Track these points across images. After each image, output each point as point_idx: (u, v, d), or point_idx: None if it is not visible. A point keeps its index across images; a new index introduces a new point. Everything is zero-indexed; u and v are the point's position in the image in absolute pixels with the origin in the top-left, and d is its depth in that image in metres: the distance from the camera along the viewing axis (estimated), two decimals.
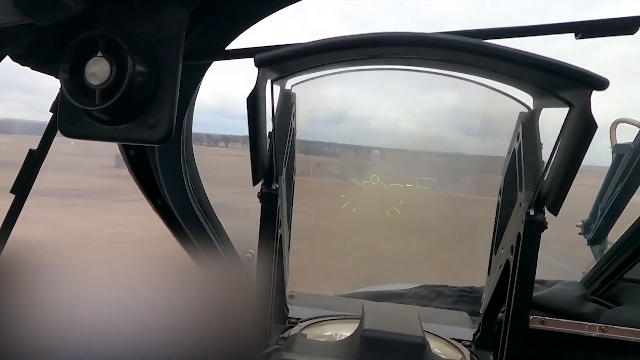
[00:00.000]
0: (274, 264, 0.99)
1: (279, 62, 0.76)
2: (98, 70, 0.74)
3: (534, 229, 0.92)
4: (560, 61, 0.71)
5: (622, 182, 1.59)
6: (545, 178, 0.93)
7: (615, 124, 1.65)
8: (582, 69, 0.70)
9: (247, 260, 1.75)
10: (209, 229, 1.52)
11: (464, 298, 1.72)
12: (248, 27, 0.97)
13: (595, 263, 1.80)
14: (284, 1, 0.93)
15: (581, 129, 0.78)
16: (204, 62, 1.00)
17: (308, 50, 0.73)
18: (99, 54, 0.74)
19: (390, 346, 0.95)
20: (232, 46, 1.00)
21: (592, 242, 1.86)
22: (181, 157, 1.27)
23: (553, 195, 0.89)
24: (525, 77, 0.83)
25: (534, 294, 1.65)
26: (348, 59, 0.81)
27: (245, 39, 1.01)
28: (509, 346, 1.00)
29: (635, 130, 1.56)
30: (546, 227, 0.93)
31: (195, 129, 1.32)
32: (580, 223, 1.95)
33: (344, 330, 1.11)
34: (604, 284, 1.76)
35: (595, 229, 1.81)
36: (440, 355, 1.09)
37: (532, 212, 0.92)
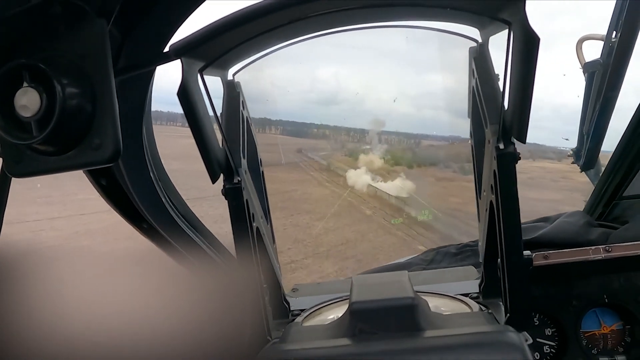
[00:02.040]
0: (256, 259, 0.96)
1: (194, 47, 0.73)
2: (27, 101, 0.71)
3: (507, 161, 0.90)
4: None
5: (599, 100, 1.56)
6: (506, 108, 0.90)
7: (580, 42, 1.62)
8: None
9: None
10: (200, 241, 1.49)
11: (469, 252, 1.70)
12: (180, 25, 0.94)
13: (594, 188, 1.78)
14: None
15: (525, 45, 0.75)
16: (146, 70, 0.97)
17: (219, 27, 0.69)
18: (25, 84, 0.71)
19: (381, 313, 0.92)
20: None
21: (584, 168, 1.83)
22: (151, 175, 1.24)
23: (516, 123, 0.86)
24: (462, 5, 0.80)
25: (539, 233, 1.63)
26: (268, 29, 0.77)
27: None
28: (510, 287, 0.98)
29: (601, 45, 1.53)
30: (519, 158, 0.90)
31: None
32: (571, 152, 1.92)
33: (341, 312, 1.09)
34: (606, 206, 1.74)
35: (584, 154, 1.78)
36: (443, 312, 1.07)
37: (501, 146, 0.89)
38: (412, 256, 1.93)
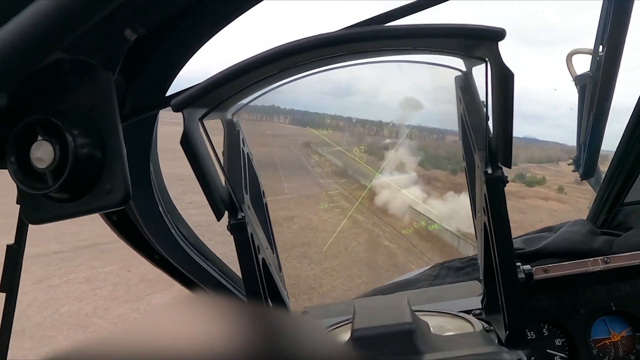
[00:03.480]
0: (263, 289, 0.99)
1: (195, 101, 0.78)
2: (42, 153, 0.75)
3: (496, 185, 0.93)
4: (455, 25, 0.73)
5: (593, 110, 1.59)
6: (491, 135, 0.94)
7: (569, 56, 1.66)
8: (480, 26, 0.72)
9: None
10: (212, 270, 1.53)
11: (474, 266, 1.72)
12: (180, 69, 0.99)
13: (595, 196, 1.80)
14: (205, 37, 0.95)
15: (501, 80, 0.79)
16: (150, 114, 1.02)
17: (216, 83, 0.74)
18: (39, 137, 0.76)
19: (382, 340, 0.96)
20: (172, 90, 1.02)
21: (584, 177, 1.86)
22: (159, 208, 1.29)
23: (502, 150, 0.90)
24: (441, 46, 0.85)
25: (543, 243, 1.65)
26: (262, 78, 0.82)
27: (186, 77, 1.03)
28: (507, 305, 1.00)
29: (589, 58, 1.57)
30: (507, 182, 0.94)
31: None
32: (571, 161, 1.95)
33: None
34: (609, 213, 1.76)
35: (583, 163, 1.81)
36: (448, 333, 1.10)
37: (489, 171, 0.93)
38: (419, 270, 1.95)
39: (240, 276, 1.44)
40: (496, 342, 1.05)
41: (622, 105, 1.68)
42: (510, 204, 1.02)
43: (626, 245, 1.52)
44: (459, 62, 0.98)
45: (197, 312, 0.31)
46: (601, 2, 1.47)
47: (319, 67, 0.85)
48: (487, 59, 0.81)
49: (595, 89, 1.54)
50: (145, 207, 1.27)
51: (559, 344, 1.47)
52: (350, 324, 1.22)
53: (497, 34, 0.71)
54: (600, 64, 1.48)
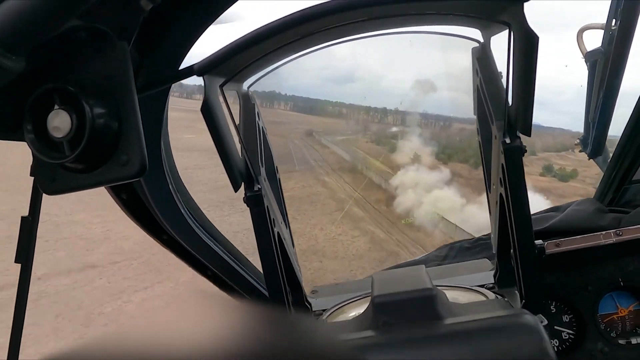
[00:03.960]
0: (279, 262, 0.99)
1: (217, 65, 0.77)
2: (59, 122, 0.75)
3: (514, 155, 0.93)
4: None
5: (603, 87, 1.58)
6: (510, 104, 0.93)
7: (580, 32, 1.64)
8: None
9: None
10: (219, 250, 1.53)
11: (482, 246, 1.73)
12: (194, 42, 0.98)
13: (603, 174, 1.80)
14: (220, 9, 0.94)
15: (525, 44, 0.78)
16: (164, 87, 1.01)
17: (242, 44, 0.73)
18: (56, 106, 0.75)
19: (402, 305, 0.96)
20: (185, 63, 1.01)
21: (592, 155, 1.85)
22: (170, 187, 1.28)
23: (521, 118, 0.89)
24: (461, 10, 0.84)
25: (551, 222, 1.65)
26: (285, 44, 0.81)
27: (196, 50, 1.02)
28: (524, 275, 1.01)
29: (601, 33, 1.55)
30: (525, 151, 0.93)
31: None
32: (578, 141, 1.94)
33: (363, 309, 1.12)
34: (617, 192, 1.76)
35: (591, 142, 1.80)
36: (459, 302, 1.10)
37: (508, 140, 0.93)
38: (426, 254, 1.96)
39: (243, 256, 1.44)
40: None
41: (631, 89, 1.67)
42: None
43: (635, 222, 1.52)
44: (475, 34, 0.97)
45: (199, 311, 0.31)
46: None
47: (338, 38, 0.84)
48: (510, 24, 0.80)
49: (607, 65, 1.53)
50: (156, 185, 1.26)
51: (567, 321, 1.48)
52: (362, 299, 1.23)
53: None
54: (613, 39, 1.46)
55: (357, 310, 1.12)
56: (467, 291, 1.22)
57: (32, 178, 0.94)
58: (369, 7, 0.72)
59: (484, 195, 1.27)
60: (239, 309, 0.32)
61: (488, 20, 0.84)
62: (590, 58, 1.60)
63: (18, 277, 0.93)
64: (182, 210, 1.37)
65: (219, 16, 0.97)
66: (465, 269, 1.49)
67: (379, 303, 0.97)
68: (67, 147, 0.75)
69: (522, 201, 0.96)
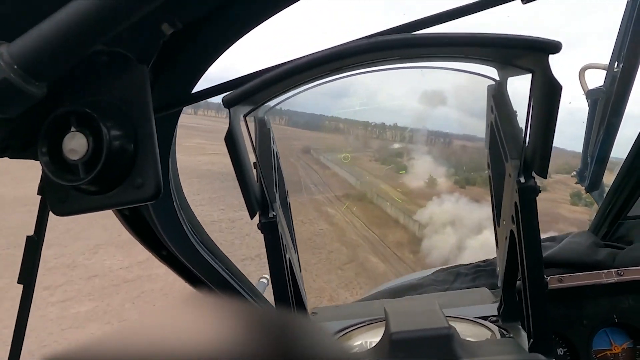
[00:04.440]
0: (289, 288, 0.99)
1: (247, 98, 0.78)
2: (76, 145, 0.74)
3: (529, 195, 0.94)
4: (511, 35, 0.73)
5: (603, 125, 1.62)
6: (526, 144, 0.95)
7: (582, 71, 1.68)
8: (534, 37, 0.72)
9: (263, 286, 1.76)
10: (219, 267, 1.52)
11: (480, 273, 1.73)
12: (208, 67, 0.98)
13: (598, 208, 1.83)
14: (236, 35, 0.95)
15: (548, 92, 0.80)
16: (175, 110, 1.01)
17: (272, 80, 0.74)
18: (73, 128, 0.75)
19: (419, 343, 0.96)
20: (198, 87, 1.01)
21: (589, 189, 1.88)
22: (174, 204, 1.28)
23: (538, 160, 0.91)
24: (484, 55, 0.85)
25: (547, 253, 1.67)
26: (313, 77, 0.83)
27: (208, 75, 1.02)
28: (533, 313, 1.01)
29: (603, 74, 1.59)
30: (539, 191, 0.95)
31: None
32: (574, 173, 1.97)
33: (371, 336, 1.12)
34: (611, 226, 1.78)
35: (589, 176, 1.84)
36: (469, 339, 1.10)
37: (522, 180, 0.94)
38: (420, 273, 1.96)
39: (242, 275, 1.44)
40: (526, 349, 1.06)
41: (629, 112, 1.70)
42: None
43: (629, 259, 1.54)
44: (491, 72, 0.99)
45: (199, 313, 0.31)
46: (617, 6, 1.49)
47: (358, 69, 0.86)
48: (534, 71, 0.82)
49: (608, 104, 1.57)
50: (161, 203, 1.26)
51: (561, 354, 1.49)
52: (367, 326, 1.22)
53: (552, 47, 0.72)
54: (615, 80, 1.50)
55: (363, 338, 1.12)
56: (473, 324, 1.22)
57: (39, 197, 0.94)
58: (399, 49, 0.73)
59: None
60: (244, 311, 0.32)
61: (512, 67, 0.86)
62: (592, 96, 1.64)
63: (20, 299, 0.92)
64: (185, 228, 1.36)
65: (235, 41, 0.98)
66: (467, 298, 1.50)
67: (397, 340, 0.97)
68: (83, 169, 0.74)
69: (534, 240, 0.97)
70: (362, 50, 0.70)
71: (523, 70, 0.84)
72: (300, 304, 1.20)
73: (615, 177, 1.70)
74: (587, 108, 1.71)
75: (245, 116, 0.85)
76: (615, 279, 1.35)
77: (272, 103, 0.98)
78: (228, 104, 0.78)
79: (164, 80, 1.00)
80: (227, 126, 1.02)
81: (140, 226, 1.35)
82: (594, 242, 1.68)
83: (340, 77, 0.91)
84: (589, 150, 1.78)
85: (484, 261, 1.82)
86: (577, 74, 1.65)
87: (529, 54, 0.78)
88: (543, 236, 1.90)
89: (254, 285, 1.61)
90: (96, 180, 0.75)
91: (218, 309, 0.32)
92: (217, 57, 0.99)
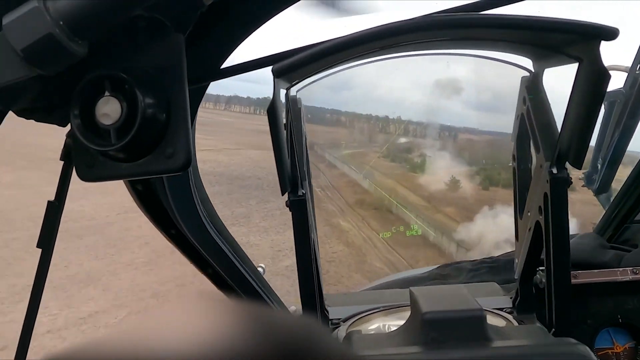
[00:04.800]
0: (314, 270, 0.99)
1: (296, 69, 0.77)
2: (109, 110, 0.74)
3: (560, 185, 0.95)
4: (564, 19, 0.73)
5: (619, 128, 1.63)
6: (562, 136, 0.95)
7: None
8: (589, 22, 0.72)
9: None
10: (226, 249, 1.52)
11: (486, 269, 1.74)
12: (240, 44, 0.97)
13: (605, 211, 1.84)
14: (269, 13, 0.94)
15: (595, 81, 0.80)
16: (205, 84, 1.00)
17: (322, 52, 0.73)
18: (107, 93, 0.74)
19: (452, 324, 0.96)
20: (227, 63, 1.01)
21: (598, 192, 1.89)
22: (190, 182, 1.27)
23: (574, 150, 0.91)
24: (528, 40, 0.85)
25: None
26: (360, 54, 0.82)
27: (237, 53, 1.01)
28: (557, 304, 1.02)
29: (624, 76, 1.60)
30: (571, 182, 0.95)
31: None
32: (582, 175, 1.98)
33: (388, 321, 1.12)
34: (617, 229, 1.80)
35: (599, 179, 1.84)
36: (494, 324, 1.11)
37: (555, 171, 0.94)
38: (424, 269, 1.97)
39: (248, 259, 1.43)
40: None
41: None
42: None
43: (635, 262, 1.56)
44: (526, 62, 0.99)
45: (198, 313, 0.31)
46: None
47: (399, 51, 0.85)
48: (583, 59, 0.81)
49: (626, 107, 1.57)
50: (177, 180, 1.25)
51: None
52: (382, 312, 1.22)
53: (608, 33, 0.71)
54: (637, 82, 1.51)
55: (379, 323, 1.12)
56: (492, 315, 1.23)
57: (62, 162, 0.93)
58: (448, 29, 0.72)
59: None
60: (244, 311, 0.32)
61: (557, 55, 0.86)
62: (610, 98, 1.65)
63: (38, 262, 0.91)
64: (198, 207, 1.35)
65: (268, 19, 0.97)
66: (478, 291, 1.50)
67: (430, 320, 0.97)
68: (115, 135, 0.73)
69: (563, 232, 0.98)
70: (418, 27, 0.69)
71: (571, 58, 0.84)
72: (319, 287, 1.19)
73: (624, 181, 1.71)
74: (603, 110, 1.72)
75: (288, 89, 0.84)
76: (630, 277, 1.36)
77: (305, 83, 0.98)
78: (277, 73, 0.77)
79: (195, 53, 0.98)
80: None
81: (152, 202, 1.34)
82: (601, 243, 1.70)
83: (387, 58, 0.90)
84: (601, 153, 1.79)
85: (488, 258, 1.83)
86: None
87: (580, 40, 0.78)
88: None
89: (258, 269, 1.61)
90: (127, 147, 0.74)
91: (219, 310, 0.32)
92: (248, 35, 0.98)
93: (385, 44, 0.77)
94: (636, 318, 1.46)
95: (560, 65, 0.90)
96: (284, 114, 0.88)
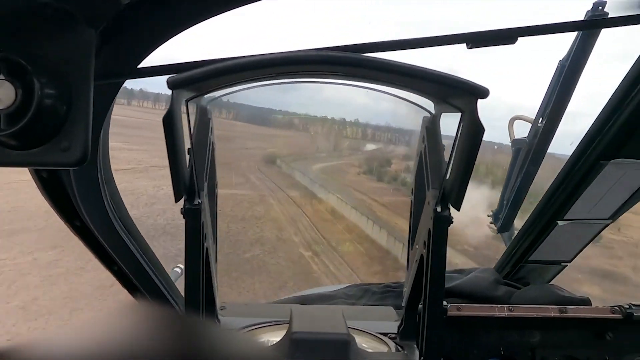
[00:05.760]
0: (202, 278, 1.00)
1: (192, 83, 0.78)
2: (2, 94, 0.71)
3: (442, 224, 1.01)
4: (449, 74, 0.79)
5: (522, 173, 1.75)
6: (447, 177, 1.02)
7: (512, 120, 1.82)
8: (467, 80, 0.79)
9: (176, 275, 1.72)
10: (133, 247, 1.48)
11: (390, 293, 1.81)
12: (160, 45, 0.97)
13: (506, 249, 1.97)
14: (193, 19, 0.95)
15: (472, 132, 0.87)
16: (119, 81, 0.99)
17: (222, 70, 0.75)
18: (1, 76, 0.72)
19: (318, 346, 1.00)
20: (145, 63, 1.00)
21: (500, 230, 2.03)
22: (99, 176, 1.24)
23: (455, 193, 0.98)
24: (423, 87, 0.91)
25: (453, 283, 1.77)
26: (260, 77, 0.84)
27: (157, 54, 1.01)
28: (428, 334, 1.08)
29: (528, 126, 1.73)
30: (452, 222, 1.02)
31: None
32: (491, 213, 2.11)
33: (276, 336, 1.14)
34: (514, 267, 1.92)
35: (502, 218, 1.97)
36: (366, 349, 1.16)
37: (439, 209, 1.01)
38: (335, 287, 2.01)
39: (156, 259, 1.41)
40: None
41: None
42: None
43: (523, 298, 1.68)
44: (428, 105, 1.05)
45: (114, 321, 0.33)
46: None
47: (307, 77, 0.88)
48: (464, 111, 0.88)
49: (529, 154, 1.71)
50: (84, 171, 1.21)
51: None
52: (272, 327, 1.25)
53: (480, 91, 0.79)
54: (537, 134, 1.64)
55: (267, 337, 1.14)
56: (373, 338, 1.28)
57: None
58: (343, 67, 0.76)
59: None
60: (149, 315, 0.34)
61: (445, 103, 0.92)
62: (516, 145, 1.78)
63: None
64: (105, 202, 1.32)
65: (193, 24, 0.98)
66: (373, 314, 1.56)
67: (297, 340, 1.01)
68: (5, 120, 0.71)
69: (440, 267, 1.04)
70: (310, 61, 0.73)
71: (454, 108, 0.91)
72: (210, 295, 1.19)
73: (524, 223, 1.84)
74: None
75: (187, 101, 0.85)
76: (506, 313, 1.46)
77: (216, 94, 0.99)
78: (173, 85, 0.77)
79: (112, 49, 0.97)
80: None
81: (56, 191, 1.29)
82: (496, 279, 1.82)
83: (288, 82, 0.93)
84: (506, 194, 1.92)
85: (394, 282, 1.90)
86: (507, 123, 1.80)
87: (462, 94, 0.85)
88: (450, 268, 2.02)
89: (168, 274, 1.59)
90: (19, 134, 0.72)
91: (128, 316, 0.33)
92: (169, 37, 0.98)
93: (281, 71, 0.80)
94: (517, 351, 1.56)
95: (453, 112, 0.97)
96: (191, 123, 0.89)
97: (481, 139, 0.86)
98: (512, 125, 1.82)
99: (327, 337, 1.02)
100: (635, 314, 1.49)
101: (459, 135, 0.92)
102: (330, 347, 1.01)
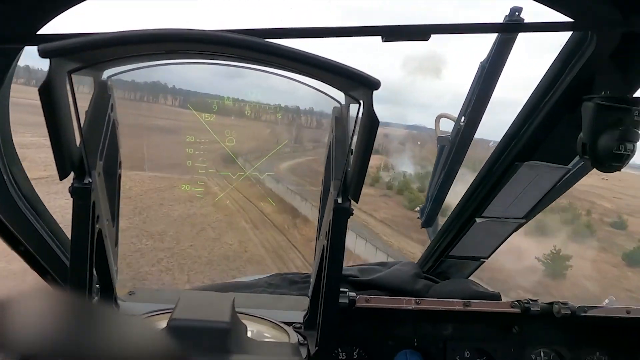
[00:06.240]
0: (90, 260, 0.95)
1: (66, 54, 0.73)
2: None
3: (341, 215, 1.01)
4: (346, 66, 0.79)
5: (444, 169, 1.80)
6: (349, 169, 1.02)
7: (438, 118, 1.86)
8: (361, 72, 0.79)
9: None
10: (39, 226, 1.41)
11: (308, 283, 1.81)
12: (62, 12, 0.92)
13: (429, 244, 2.02)
14: None
15: (368, 124, 0.87)
16: (12, 47, 0.92)
17: (96, 43, 0.71)
18: None
19: (196, 333, 0.99)
20: (46, 30, 0.94)
21: (424, 225, 2.07)
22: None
23: (354, 184, 0.98)
24: (326, 78, 0.90)
25: (375, 276, 1.80)
26: (147, 53, 0.81)
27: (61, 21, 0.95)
28: (323, 324, 1.09)
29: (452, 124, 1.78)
30: (352, 214, 1.02)
31: None
32: (418, 208, 2.15)
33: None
34: (436, 262, 1.98)
35: (425, 213, 2.02)
36: (265, 338, 1.15)
37: (339, 200, 1.01)
38: (259, 276, 2.00)
39: (67, 239, 1.34)
40: (304, 356, 1.12)
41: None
42: None
43: (439, 292, 1.73)
44: (340, 96, 1.05)
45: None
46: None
47: (210, 59, 0.86)
48: (361, 102, 0.88)
49: (451, 152, 1.75)
50: None
51: None
52: (162, 314, 1.22)
53: (373, 83, 0.79)
54: (459, 132, 1.68)
55: (163, 323, 1.11)
56: (274, 327, 1.27)
57: None
58: (228, 47, 0.74)
59: None
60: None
61: (344, 93, 0.92)
62: (440, 142, 1.81)
63: None
64: (7, 182, 1.24)
65: None
66: (285, 303, 1.55)
67: (175, 327, 0.99)
68: None
69: (338, 258, 1.04)
70: (203, 40, 0.70)
71: (354, 99, 0.91)
72: (106, 279, 1.15)
73: (445, 219, 1.90)
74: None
75: (70, 73, 0.80)
76: (413, 306, 1.50)
77: (118, 69, 0.94)
78: (45, 53, 0.72)
79: (7, 11, 0.90)
80: None
81: None
82: (417, 273, 1.86)
83: (187, 62, 0.90)
84: (429, 191, 1.97)
85: None
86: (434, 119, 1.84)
87: (358, 86, 0.84)
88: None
89: None
90: None
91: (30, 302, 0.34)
92: (72, 5, 0.92)
93: (170, 48, 0.77)
94: (429, 343, 1.62)
95: (355, 103, 0.98)
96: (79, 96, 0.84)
97: (376, 131, 0.86)
98: (439, 122, 1.86)
99: (205, 325, 1.01)
100: (532, 309, 1.57)
101: (357, 126, 0.92)
102: (207, 334, 1.00)
